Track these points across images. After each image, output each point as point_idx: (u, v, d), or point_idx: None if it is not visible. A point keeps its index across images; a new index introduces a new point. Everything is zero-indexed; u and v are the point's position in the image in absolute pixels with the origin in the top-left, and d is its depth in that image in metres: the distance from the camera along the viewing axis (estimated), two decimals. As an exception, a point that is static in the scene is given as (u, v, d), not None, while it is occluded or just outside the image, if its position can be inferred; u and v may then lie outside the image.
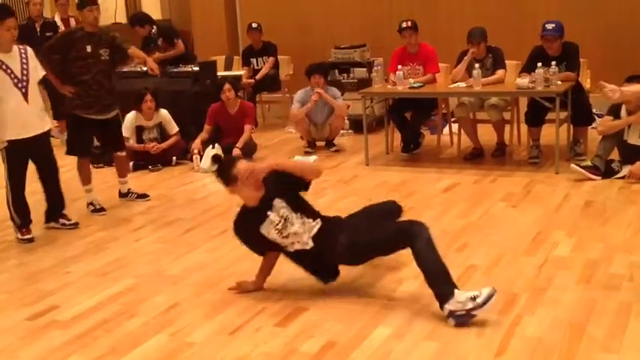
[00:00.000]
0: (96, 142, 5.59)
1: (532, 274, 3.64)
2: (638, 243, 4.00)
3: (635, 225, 4.28)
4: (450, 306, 3.09)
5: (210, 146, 6.39)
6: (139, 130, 6.53)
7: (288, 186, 3.47)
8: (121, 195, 5.55)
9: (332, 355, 2.95)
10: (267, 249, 3.54)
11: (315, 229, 3.41)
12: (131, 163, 6.33)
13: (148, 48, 8.13)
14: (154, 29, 7.81)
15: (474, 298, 3.06)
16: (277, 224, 3.38)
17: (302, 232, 3.39)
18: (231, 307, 3.47)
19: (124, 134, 6.27)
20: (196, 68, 7.20)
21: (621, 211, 4.56)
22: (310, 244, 3.40)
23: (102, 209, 5.21)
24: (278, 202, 3.41)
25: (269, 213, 3.39)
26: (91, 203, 5.24)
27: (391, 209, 3.82)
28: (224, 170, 3.48)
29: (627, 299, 3.28)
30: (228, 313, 3.41)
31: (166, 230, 4.78)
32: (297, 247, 3.42)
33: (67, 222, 4.89)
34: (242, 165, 3.45)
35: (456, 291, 3.11)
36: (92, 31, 5.04)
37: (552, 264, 3.77)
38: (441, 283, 3.14)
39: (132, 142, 6.45)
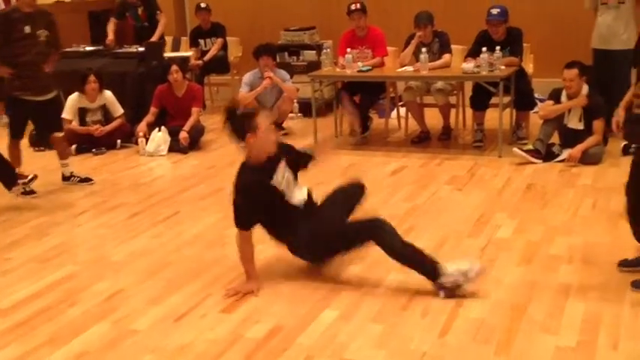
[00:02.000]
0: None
1: (475, 256, 3.71)
2: (577, 225, 4.12)
3: (574, 207, 4.40)
4: (440, 280, 3.23)
5: (157, 129, 6.29)
6: (82, 112, 6.36)
7: (295, 156, 3.62)
8: (64, 178, 5.42)
9: (278, 340, 2.95)
10: (260, 214, 3.43)
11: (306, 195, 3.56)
12: (74, 147, 6.18)
13: (122, 16, 7.80)
14: None
15: (465, 273, 3.21)
16: (281, 183, 3.44)
17: (300, 198, 3.51)
18: (176, 293, 3.43)
19: (66, 116, 6.16)
20: (142, 49, 7.05)
21: (561, 194, 4.68)
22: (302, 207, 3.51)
23: (32, 192, 5.11)
24: (283, 165, 3.47)
25: (275, 171, 3.42)
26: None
27: (355, 193, 3.80)
28: (246, 117, 3.37)
29: (566, 280, 3.37)
30: (173, 299, 3.37)
31: (110, 215, 4.69)
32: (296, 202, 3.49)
33: (26, 180, 5.01)
34: (264, 115, 3.42)
35: (441, 265, 3.24)
36: (29, 11, 4.94)
37: (494, 246, 3.85)
38: (421, 263, 3.28)
39: (75, 125, 6.29)
